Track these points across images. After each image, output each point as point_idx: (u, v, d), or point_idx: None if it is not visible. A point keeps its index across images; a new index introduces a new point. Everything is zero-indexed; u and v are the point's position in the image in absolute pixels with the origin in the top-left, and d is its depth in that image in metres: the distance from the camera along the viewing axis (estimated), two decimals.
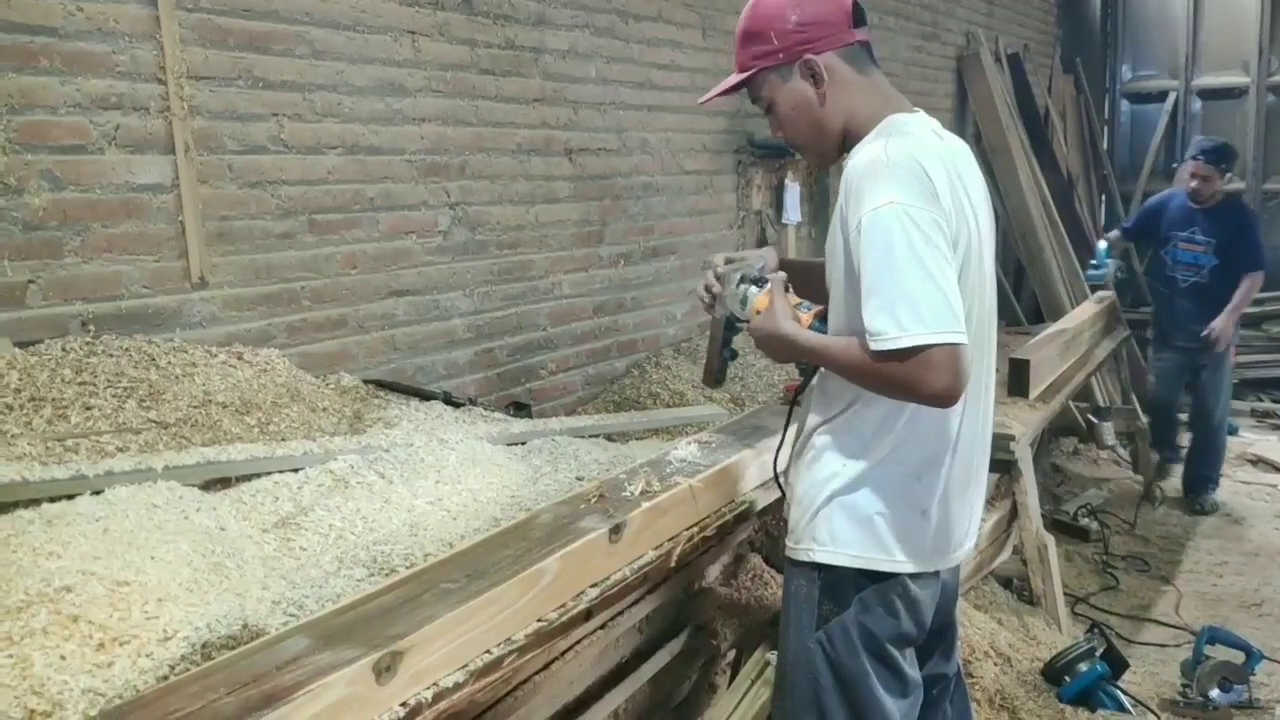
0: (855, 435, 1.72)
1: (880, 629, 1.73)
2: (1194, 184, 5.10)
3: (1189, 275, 5.22)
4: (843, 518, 1.72)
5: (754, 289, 1.84)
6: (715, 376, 2.05)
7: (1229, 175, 5.16)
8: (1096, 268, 5.21)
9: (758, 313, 1.81)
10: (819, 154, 1.82)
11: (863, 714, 1.74)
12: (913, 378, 1.53)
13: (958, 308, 1.54)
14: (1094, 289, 5.68)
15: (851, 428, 1.72)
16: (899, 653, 1.76)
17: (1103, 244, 5.39)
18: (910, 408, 1.66)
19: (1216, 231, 5.11)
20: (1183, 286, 5.26)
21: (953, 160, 1.69)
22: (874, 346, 1.54)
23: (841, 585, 1.74)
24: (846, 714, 1.75)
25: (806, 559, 1.76)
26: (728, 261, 1.93)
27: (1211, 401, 5.32)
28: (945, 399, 1.55)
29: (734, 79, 1.80)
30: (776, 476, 2.06)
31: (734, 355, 2.02)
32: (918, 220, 1.54)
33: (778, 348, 1.76)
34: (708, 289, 1.92)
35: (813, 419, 1.80)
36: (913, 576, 1.73)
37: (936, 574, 1.78)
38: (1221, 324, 5.03)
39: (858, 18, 1.74)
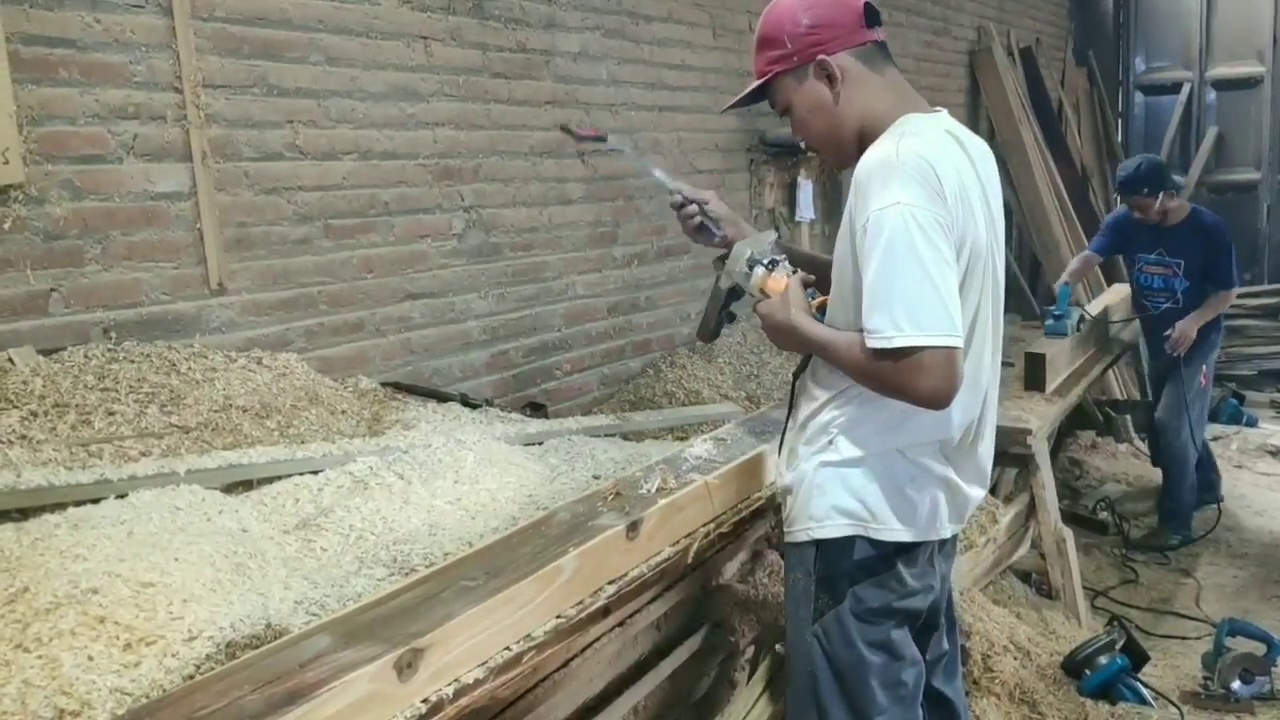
0: (848, 417, 1.74)
1: (874, 620, 1.74)
2: (1136, 215, 4.73)
3: (1161, 301, 4.78)
4: (835, 491, 1.73)
5: (760, 269, 1.85)
6: (712, 333, 2.10)
7: (1167, 191, 4.64)
8: (1058, 318, 4.42)
9: (762, 291, 1.83)
10: (837, 154, 1.83)
11: (860, 705, 1.76)
12: (905, 379, 1.56)
13: (954, 311, 1.56)
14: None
15: (844, 410, 1.75)
16: (896, 641, 1.78)
17: (1063, 286, 4.77)
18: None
19: (1185, 251, 4.67)
20: (1156, 314, 4.80)
21: (968, 163, 1.70)
22: (870, 344, 1.57)
23: (836, 580, 1.75)
24: (843, 706, 1.76)
25: (806, 539, 1.77)
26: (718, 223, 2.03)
27: (1164, 416, 4.81)
28: (936, 401, 1.58)
29: (753, 85, 1.83)
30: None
31: (732, 318, 2.06)
32: (922, 221, 1.55)
33: (785, 337, 1.79)
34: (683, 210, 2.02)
35: (806, 408, 1.84)
36: (906, 561, 1.74)
37: (930, 555, 1.79)
38: (1183, 325, 4.60)
39: (871, 18, 1.75)
